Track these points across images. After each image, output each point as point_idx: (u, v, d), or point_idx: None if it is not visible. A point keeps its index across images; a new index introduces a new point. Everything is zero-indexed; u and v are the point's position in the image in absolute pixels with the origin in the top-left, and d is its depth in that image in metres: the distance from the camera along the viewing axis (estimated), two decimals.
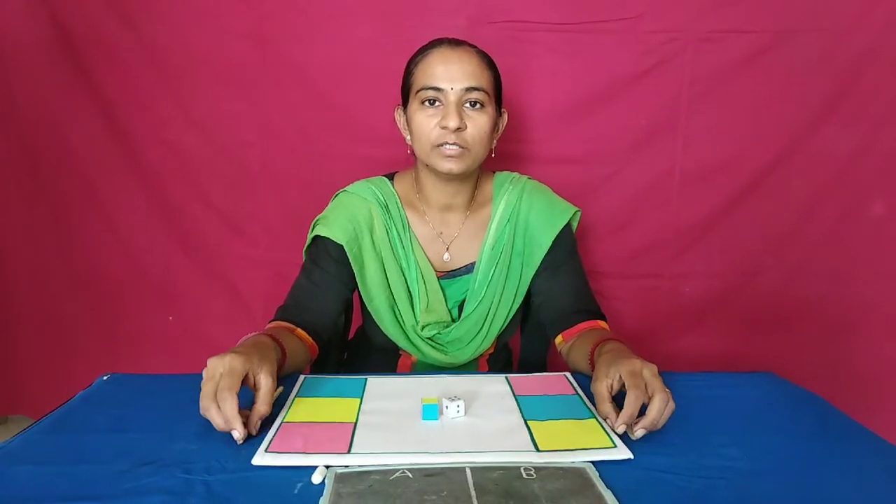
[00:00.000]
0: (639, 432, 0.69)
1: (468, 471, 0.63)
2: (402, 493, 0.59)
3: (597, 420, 0.74)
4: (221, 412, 0.67)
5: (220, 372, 0.69)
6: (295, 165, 1.42)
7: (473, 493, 0.59)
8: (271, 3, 1.34)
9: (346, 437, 0.70)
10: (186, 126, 1.41)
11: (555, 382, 0.86)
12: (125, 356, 1.54)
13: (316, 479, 0.62)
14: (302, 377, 0.85)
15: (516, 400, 0.80)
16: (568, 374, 0.89)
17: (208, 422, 0.69)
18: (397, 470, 0.63)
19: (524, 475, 0.62)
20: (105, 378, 0.87)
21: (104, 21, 1.36)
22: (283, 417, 0.74)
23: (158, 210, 1.47)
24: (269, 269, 1.41)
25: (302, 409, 0.77)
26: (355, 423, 0.73)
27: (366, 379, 0.86)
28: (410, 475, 0.62)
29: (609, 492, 0.59)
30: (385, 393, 0.81)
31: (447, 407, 0.74)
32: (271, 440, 0.69)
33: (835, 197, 1.40)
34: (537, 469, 0.63)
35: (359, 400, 0.79)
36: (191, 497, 0.59)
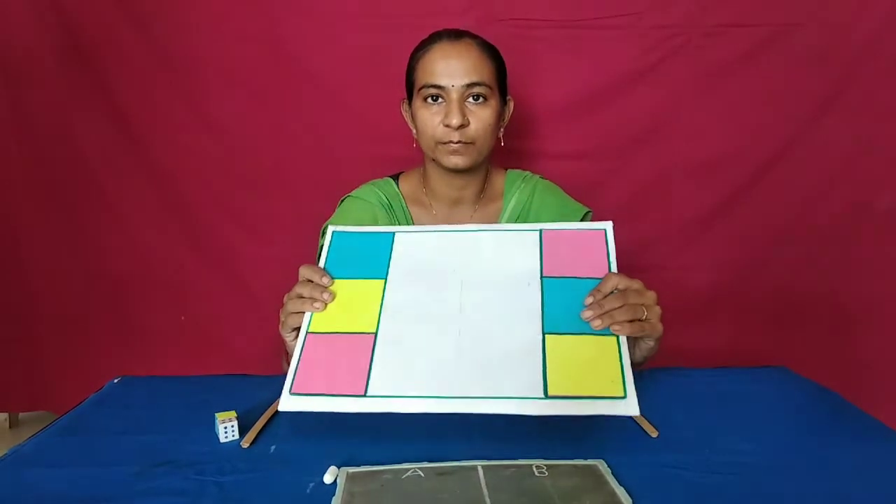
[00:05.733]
0: (588, 299, 0.71)
1: (480, 469, 0.63)
2: (414, 492, 0.59)
3: (617, 339, 0.69)
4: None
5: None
6: (307, 165, 1.42)
7: (486, 492, 0.59)
8: (282, 6, 1.34)
9: (364, 364, 0.69)
10: (199, 128, 1.42)
11: (590, 250, 0.78)
12: (140, 355, 1.54)
13: (328, 479, 0.62)
14: (331, 231, 0.83)
15: (542, 286, 0.75)
16: (608, 230, 0.79)
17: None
18: (409, 469, 0.63)
19: (536, 473, 0.62)
20: (116, 380, 0.88)
21: (115, 26, 1.36)
22: (308, 327, 0.74)
23: (172, 211, 1.47)
24: (281, 268, 1.40)
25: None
26: (374, 340, 0.72)
27: (392, 243, 0.82)
28: (422, 474, 0.62)
29: (622, 488, 0.59)
30: (410, 267, 0.79)
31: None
32: (293, 378, 0.69)
33: (840, 189, 1.39)
34: (549, 467, 0.63)
35: (382, 284, 0.77)
36: (203, 498, 0.59)
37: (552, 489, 0.59)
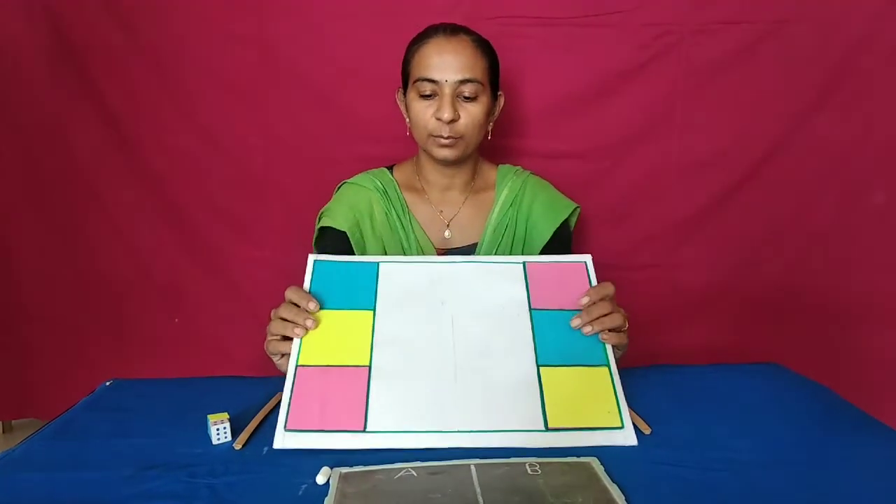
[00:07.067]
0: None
1: (473, 468, 0.62)
2: (407, 491, 0.59)
3: (609, 369, 0.73)
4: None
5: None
6: (298, 166, 1.42)
7: (479, 491, 0.58)
8: (271, 6, 1.34)
9: (360, 399, 0.69)
10: (189, 130, 1.41)
11: (573, 282, 0.81)
12: (133, 359, 1.53)
13: (320, 480, 0.61)
14: (312, 261, 0.82)
15: (531, 318, 0.77)
16: (588, 263, 0.83)
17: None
18: (402, 469, 0.63)
19: (529, 471, 0.62)
20: (108, 384, 0.87)
21: (105, 28, 1.36)
22: (297, 359, 0.73)
23: (163, 214, 1.47)
24: (274, 271, 1.41)
25: (315, 339, 0.75)
26: (369, 373, 0.72)
27: (377, 274, 0.81)
28: (415, 474, 0.62)
29: (615, 486, 0.59)
30: (398, 297, 0.78)
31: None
32: (287, 414, 0.69)
33: (833, 186, 1.39)
34: (542, 465, 0.63)
35: (371, 315, 0.77)
36: (196, 500, 0.59)
37: (545, 487, 0.59)
